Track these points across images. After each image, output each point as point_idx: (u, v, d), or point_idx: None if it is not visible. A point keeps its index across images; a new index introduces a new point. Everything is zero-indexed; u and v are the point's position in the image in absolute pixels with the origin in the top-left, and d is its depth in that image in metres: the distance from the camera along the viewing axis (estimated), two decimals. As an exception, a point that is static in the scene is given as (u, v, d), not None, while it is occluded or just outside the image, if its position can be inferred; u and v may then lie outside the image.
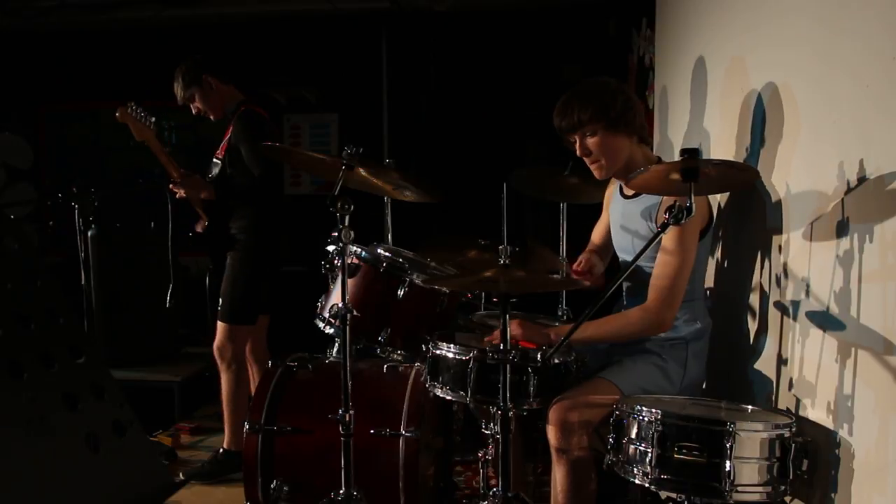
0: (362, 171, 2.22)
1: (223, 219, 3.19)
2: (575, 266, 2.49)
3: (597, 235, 2.63)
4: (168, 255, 3.24)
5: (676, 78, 3.24)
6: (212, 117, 3.24)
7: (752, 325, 2.20)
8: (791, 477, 1.68)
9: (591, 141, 2.17)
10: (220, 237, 3.19)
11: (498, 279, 1.88)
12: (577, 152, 2.23)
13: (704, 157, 2.54)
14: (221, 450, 3.25)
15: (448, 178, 4.47)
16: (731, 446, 1.63)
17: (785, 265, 1.98)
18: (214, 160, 3.26)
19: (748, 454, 1.66)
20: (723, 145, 2.49)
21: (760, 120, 2.16)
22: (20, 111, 5.67)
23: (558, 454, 2.02)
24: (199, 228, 3.20)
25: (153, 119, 3.08)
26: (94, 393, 1.38)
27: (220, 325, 3.19)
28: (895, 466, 1.46)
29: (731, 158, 2.33)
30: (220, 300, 3.18)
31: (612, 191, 2.43)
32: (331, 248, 2.41)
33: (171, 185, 3.12)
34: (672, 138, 3.26)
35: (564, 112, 2.18)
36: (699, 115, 2.77)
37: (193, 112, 3.24)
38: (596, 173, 2.27)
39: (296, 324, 3.01)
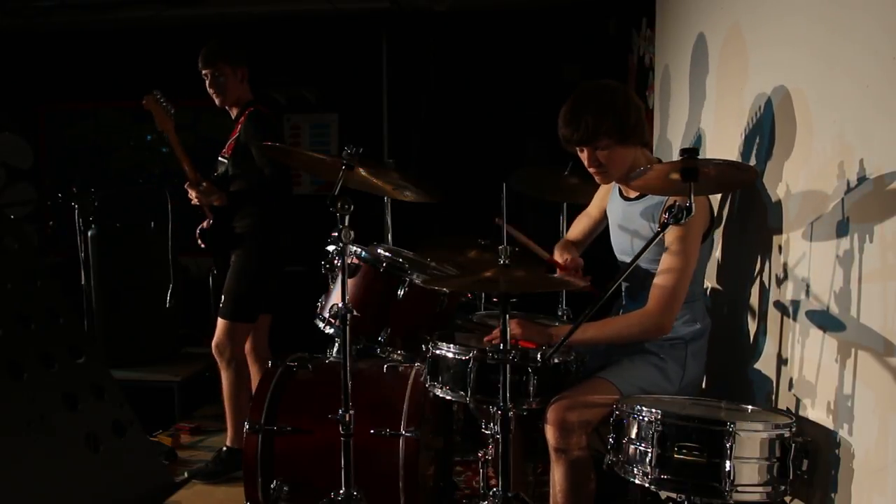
0: (362, 171, 2.22)
1: (228, 218, 3.19)
2: (563, 262, 2.46)
3: (577, 230, 2.61)
4: (168, 255, 3.24)
5: (678, 72, 3.24)
6: (217, 101, 3.21)
7: (752, 325, 2.20)
8: (791, 477, 1.68)
9: (602, 154, 2.13)
10: (225, 236, 3.19)
11: (498, 279, 1.88)
12: (586, 163, 2.19)
13: (704, 155, 2.54)
14: (224, 448, 3.25)
15: (448, 178, 4.47)
16: (731, 446, 1.63)
17: (785, 265, 1.98)
18: (220, 159, 3.27)
19: (748, 454, 1.66)
20: (722, 145, 2.49)
21: (760, 120, 2.16)
22: (20, 111, 5.66)
23: (557, 454, 2.02)
24: (204, 225, 3.19)
25: (173, 111, 3.10)
26: (94, 393, 1.38)
27: (220, 321, 3.18)
28: (895, 466, 1.46)
29: (732, 158, 2.32)
30: (223, 297, 3.18)
31: (611, 192, 2.41)
32: (331, 248, 2.41)
33: (185, 185, 3.11)
34: (671, 137, 3.26)
35: (576, 124, 2.10)
36: (697, 116, 2.77)
37: (206, 83, 3.19)
38: (599, 180, 2.25)
39: (296, 324, 3.01)
